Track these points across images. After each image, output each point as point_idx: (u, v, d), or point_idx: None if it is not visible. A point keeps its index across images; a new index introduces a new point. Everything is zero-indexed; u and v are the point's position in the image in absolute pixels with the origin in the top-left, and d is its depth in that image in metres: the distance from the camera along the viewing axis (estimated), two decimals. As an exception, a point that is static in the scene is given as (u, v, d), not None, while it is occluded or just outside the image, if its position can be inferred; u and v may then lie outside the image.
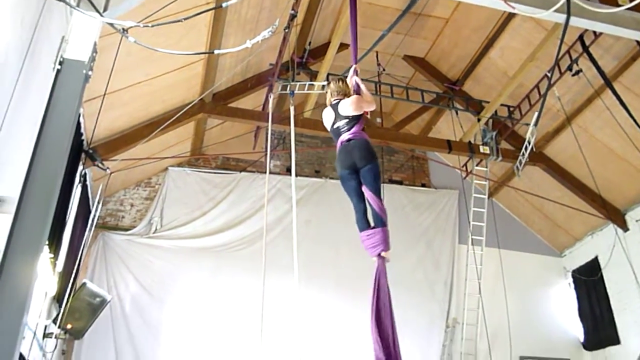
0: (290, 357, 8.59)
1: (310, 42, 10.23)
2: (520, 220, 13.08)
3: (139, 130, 8.99)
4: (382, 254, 4.60)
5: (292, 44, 9.34)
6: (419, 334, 10.74)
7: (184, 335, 9.87)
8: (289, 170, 11.68)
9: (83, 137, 7.84)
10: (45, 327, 7.63)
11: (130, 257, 10.23)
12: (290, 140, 6.66)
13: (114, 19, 3.93)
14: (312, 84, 9.49)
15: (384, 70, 11.08)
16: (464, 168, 11.99)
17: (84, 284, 7.91)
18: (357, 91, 5.43)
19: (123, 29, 3.87)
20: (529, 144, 9.54)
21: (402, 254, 10.47)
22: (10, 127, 3.18)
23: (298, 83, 9.29)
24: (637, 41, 8.06)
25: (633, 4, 5.32)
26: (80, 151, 7.91)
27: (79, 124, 7.27)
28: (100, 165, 8.54)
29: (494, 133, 10.97)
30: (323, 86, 9.41)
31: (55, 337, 7.68)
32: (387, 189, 9.92)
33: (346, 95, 5.29)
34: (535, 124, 8.08)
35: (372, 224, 4.77)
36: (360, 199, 4.82)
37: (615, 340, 10.84)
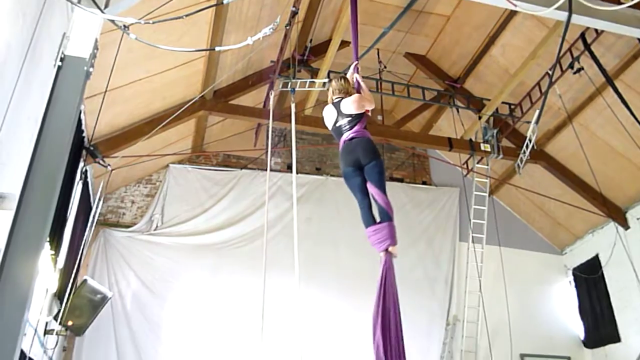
0: (290, 354, 8.60)
1: (311, 40, 10.23)
2: (521, 218, 13.07)
3: (140, 127, 8.99)
4: (390, 249, 4.58)
5: (293, 41, 9.33)
6: (420, 332, 10.74)
7: (185, 332, 9.88)
8: (289, 168, 11.68)
9: (84, 134, 7.84)
10: (47, 323, 7.64)
11: (131, 254, 10.24)
12: (291, 137, 6.66)
13: (115, 15, 3.93)
14: (313, 82, 9.49)
15: (385, 67, 11.08)
16: (465, 166, 11.99)
17: (85, 280, 7.91)
18: (358, 89, 5.43)
19: (124, 25, 3.88)
20: (530, 141, 9.53)
21: (402, 251, 10.31)
22: (11, 123, 3.18)
23: (299, 80, 9.29)
24: (638, 39, 8.04)
25: (635, 1, 5.31)
26: (81, 148, 7.91)
27: (80, 120, 7.27)
28: (101, 162, 8.55)
29: (495, 131, 10.97)
30: (324, 83, 9.40)
31: (57, 334, 7.69)
32: (387, 187, 9.89)
33: (348, 93, 5.30)
34: (537, 122, 8.06)
35: (377, 220, 4.75)
36: (364, 195, 4.82)
37: (616, 338, 10.85)
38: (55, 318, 7.50)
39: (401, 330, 4.29)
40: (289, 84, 9.21)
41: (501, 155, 10.90)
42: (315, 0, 9.44)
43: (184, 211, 10.98)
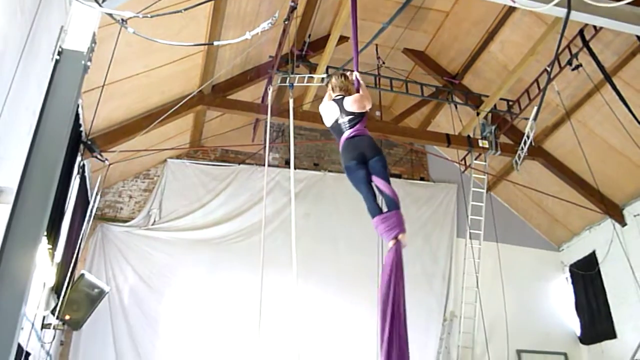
0: (288, 349, 8.62)
1: (309, 35, 10.21)
2: (518, 214, 13.10)
3: (137, 122, 8.97)
4: (399, 236, 4.60)
5: (291, 37, 9.31)
6: (417, 327, 10.75)
7: (182, 327, 9.90)
8: (287, 163, 11.65)
9: (82, 128, 7.82)
10: (44, 318, 7.64)
11: (128, 248, 10.24)
12: (289, 132, 6.66)
13: (113, 9, 3.92)
14: (312, 77, 9.48)
15: (383, 63, 11.06)
16: (463, 162, 12.00)
17: (83, 275, 7.91)
18: (357, 87, 5.46)
19: (122, 19, 3.87)
20: (528, 138, 9.55)
21: (400, 247, 10.46)
22: (8, 117, 3.18)
23: (297, 75, 9.27)
24: (637, 36, 8.04)
25: (634, -2, 5.31)
26: (78, 142, 7.90)
27: (77, 114, 7.26)
28: (98, 156, 8.53)
29: (493, 127, 10.98)
30: (322, 79, 9.39)
31: (54, 328, 7.69)
32: (385, 183, 9.93)
33: (348, 91, 5.34)
34: (535, 119, 8.08)
35: (384, 210, 4.78)
36: (369, 187, 4.87)
37: (612, 335, 10.89)
38: (53, 312, 7.50)
39: (406, 318, 4.32)
40: (288, 79, 9.19)
41: (499, 152, 10.92)
42: (314, -5, 9.44)
43: (182, 206, 10.97)
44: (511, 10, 9.55)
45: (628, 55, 8.90)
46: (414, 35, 11.25)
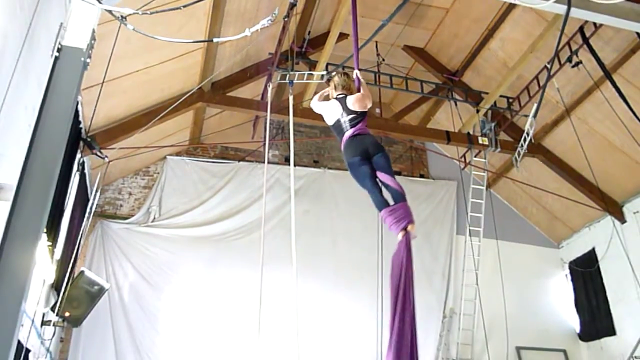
0: (287, 346, 8.63)
1: (309, 32, 10.19)
2: (518, 211, 13.10)
3: (137, 119, 8.96)
4: (408, 227, 4.62)
5: (291, 34, 9.30)
6: (416, 324, 10.78)
7: (182, 324, 9.91)
8: (287, 160, 11.67)
9: (81, 125, 7.82)
10: (44, 314, 7.65)
11: (128, 245, 10.25)
12: (289, 129, 6.65)
13: (113, 6, 3.91)
14: (311, 74, 9.46)
15: (383, 60, 11.06)
16: (463, 159, 12.00)
17: (82, 272, 7.92)
18: (358, 86, 5.51)
19: (122, 16, 3.86)
20: (528, 135, 9.55)
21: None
22: (8, 114, 3.17)
23: (297, 72, 9.26)
24: (637, 33, 8.03)
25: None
26: (78, 139, 7.89)
27: (77, 111, 7.25)
28: (98, 153, 8.52)
29: (493, 124, 10.98)
30: (322, 76, 9.39)
31: (54, 325, 7.69)
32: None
33: (350, 90, 5.40)
34: (534, 116, 8.09)
35: (390, 203, 4.81)
36: (374, 181, 4.93)
37: (611, 331, 10.91)
38: (53, 309, 7.51)
39: (414, 309, 4.37)
40: (287, 76, 9.18)
41: (499, 149, 10.92)
42: (313, -8, 9.42)
43: (182, 203, 10.98)
44: (511, 7, 9.54)
45: (628, 52, 8.89)
46: (413, 32, 11.23)
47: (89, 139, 8.26)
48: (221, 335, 9.86)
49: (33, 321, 6.74)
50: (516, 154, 10.33)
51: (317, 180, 11.99)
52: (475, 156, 11.45)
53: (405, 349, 4.19)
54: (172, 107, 8.01)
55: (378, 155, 4.97)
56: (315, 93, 10.06)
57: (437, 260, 11.82)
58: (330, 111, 5.33)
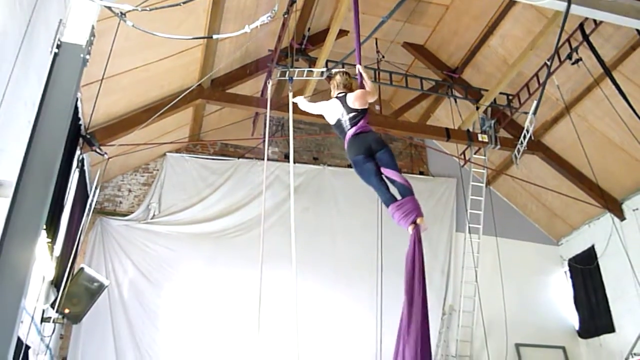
0: (287, 343, 8.63)
1: (309, 28, 10.18)
2: (517, 208, 13.11)
3: (137, 116, 8.96)
4: (417, 220, 4.63)
5: (291, 30, 9.29)
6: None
7: (182, 321, 9.92)
8: (287, 157, 11.66)
9: (81, 122, 7.81)
10: (43, 311, 7.65)
11: (128, 242, 10.25)
12: (288, 126, 6.64)
13: (112, 2, 3.90)
14: (311, 71, 9.45)
15: (383, 57, 11.03)
16: (462, 156, 12.00)
17: (82, 268, 7.92)
18: (361, 81, 5.52)
19: (121, 12, 3.85)
20: (528, 132, 9.54)
21: (399, 239, 10.47)
22: (8, 110, 3.17)
23: (297, 69, 9.25)
24: (637, 30, 8.03)
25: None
26: (77, 136, 7.89)
27: (76, 108, 7.24)
28: (98, 150, 8.51)
29: (493, 121, 10.97)
30: (322, 72, 9.38)
31: (53, 322, 7.70)
32: (385, 177, 9.96)
33: (350, 88, 5.40)
34: (534, 113, 8.06)
35: (398, 198, 4.82)
36: (379, 178, 4.95)
37: (610, 328, 10.93)
38: (52, 306, 7.51)
39: (427, 303, 4.41)
40: (287, 72, 9.16)
41: (498, 146, 10.91)
42: (313, -12, 9.41)
43: (181, 200, 10.98)
44: (511, 4, 9.53)
45: (628, 50, 8.89)
46: (413, 29, 11.22)
47: (88, 136, 8.25)
48: (221, 332, 9.86)
49: (33, 318, 6.74)
50: (516, 151, 10.33)
51: (316, 177, 11.98)
52: (475, 153, 11.46)
53: (420, 342, 4.25)
54: (172, 103, 8.01)
55: (381, 151, 4.99)
56: (315, 90, 10.15)
57: (437, 258, 11.82)
58: (331, 111, 5.34)
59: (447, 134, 10.97)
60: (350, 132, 5.13)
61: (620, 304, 10.76)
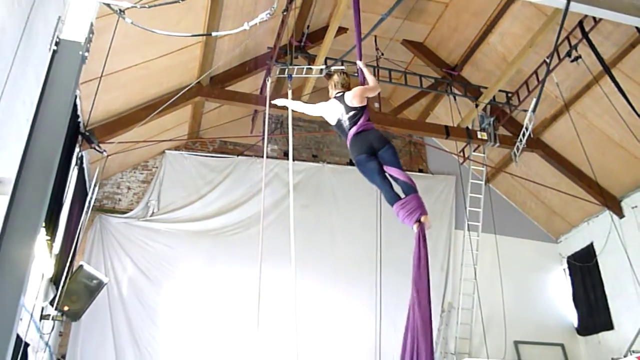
0: (286, 341, 8.64)
1: (308, 26, 10.17)
2: (516, 206, 13.12)
3: (136, 113, 8.95)
4: (422, 218, 4.64)
5: (290, 27, 9.28)
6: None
7: (181, 318, 9.92)
8: (286, 155, 11.64)
9: (80, 120, 7.79)
10: (42, 309, 7.65)
11: (127, 240, 10.24)
12: (287, 124, 6.65)
13: (111, -1, 3.90)
14: (310, 68, 9.45)
15: (382, 54, 11.03)
16: (462, 154, 12.00)
17: (81, 266, 7.92)
18: (362, 77, 5.51)
19: (120, 9, 3.85)
20: (527, 130, 9.55)
21: (398, 239, 10.49)
22: (6, 108, 3.17)
23: (296, 67, 9.25)
24: (636, 28, 8.02)
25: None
26: (76, 133, 7.87)
27: (75, 106, 7.23)
28: (97, 147, 8.50)
29: (492, 119, 10.97)
30: (321, 70, 9.38)
31: (52, 319, 7.71)
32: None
33: (349, 88, 5.40)
34: (534, 110, 8.06)
35: (402, 196, 4.82)
36: (383, 177, 4.93)
37: (609, 326, 10.94)
38: (51, 303, 7.51)
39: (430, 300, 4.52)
40: (286, 70, 9.17)
41: (498, 144, 10.91)
42: (312, -14, 9.39)
43: (180, 197, 10.97)
44: (511, 1, 9.53)
45: (627, 47, 8.89)
46: (413, 26, 11.21)
47: (87, 133, 8.24)
48: (220, 329, 9.87)
49: (32, 315, 6.74)
50: (515, 149, 10.33)
51: (315, 174, 11.98)
52: (474, 151, 11.46)
53: (430, 337, 4.28)
54: (171, 101, 8.00)
55: (383, 149, 4.95)
56: (315, 87, 10.15)
57: (436, 255, 11.81)
58: (331, 111, 5.32)
59: (447, 132, 10.97)
60: (351, 132, 5.09)
61: (619, 302, 10.77)
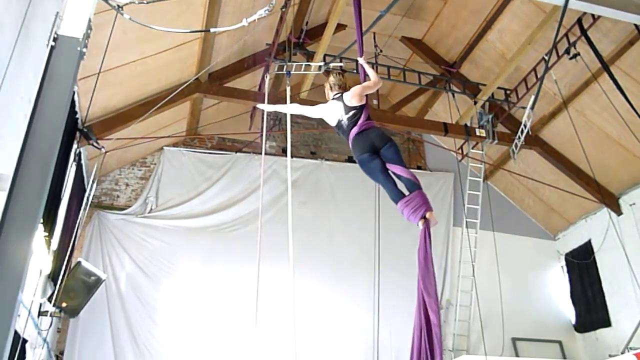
0: (284, 339, 8.64)
1: (307, 22, 10.15)
2: (515, 203, 13.13)
3: (134, 109, 8.94)
4: (427, 215, 4.61)
5: (289, 24, 9.26)
6: (412, 315, 10.81)
7: (179, 314, 9.93)
8: (284, 151, 11.65)
9: (78, 116, 7.78)
10: (40, 305, 7.64)
11: (125, 236, 10.24)
12: (286, 121, 6.64)
13: (109, -5, 3.88)
14: (309, 65, 9.44)
15: (381, 51, 11.01)
16: (460, 151, 12.00)
17: (79, 262, 7.90)
18: (364, 74, 5.51)
19: (118, 5, 3.84)
20: (525, 127, 9.55)
21: (396, 236, 10.52)
22: (4, 104, 3.16)
23: (295, 63, 9.24)
24: (635, 25, 8.03)
25: (632, -13, 5.29)
26: (75, 129, 7.87)
27: (73, 102, 7.22)
28: (95, 144, 8.49)
29: (491, 116, 10.97)
30: (320, 67, 9.36)
31: (51, 315, 7.69)
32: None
33: (346, 88, 5.37)
34: (532, 107, 8.08)
35: (406, 194, 4.80)
36: (386, 175, 4.90)
37: (607, 323, 10.97)
38: (49, 300, 7.50)
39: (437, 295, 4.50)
40: (285, 67, 9.16)
41: (496, 141, 10.93)
42: (311, -18, 9.38)
43: (179, 194, 10.97)
44: (510, -2, 9.52)
45: (626, 44, 8.89)
46: (411, 23, 11.20)
47: (85, 130, 8.22)
48: (218, 326, 9.87)
49: (30, 311, 6.74)
50: (513, 146, 10.33)
51: (314, 171, 11.98)
52: (472, 148, 11.45)
53: (439, 333, 4.28)
54: (169, 97, 8.00)
55: (385, 147, 4.92)
56: (313, 84, 10.13)
57: (434, 252, 11.56)
58: (330, 112, 5.30)
59: (445, 129, 10.97)
60: (352, 132, 5.07)
61: (617, 299, 10.80)
